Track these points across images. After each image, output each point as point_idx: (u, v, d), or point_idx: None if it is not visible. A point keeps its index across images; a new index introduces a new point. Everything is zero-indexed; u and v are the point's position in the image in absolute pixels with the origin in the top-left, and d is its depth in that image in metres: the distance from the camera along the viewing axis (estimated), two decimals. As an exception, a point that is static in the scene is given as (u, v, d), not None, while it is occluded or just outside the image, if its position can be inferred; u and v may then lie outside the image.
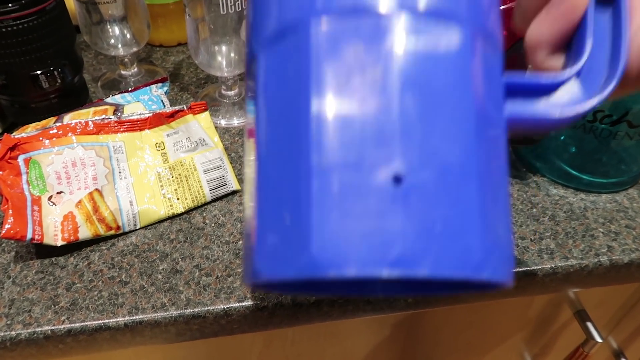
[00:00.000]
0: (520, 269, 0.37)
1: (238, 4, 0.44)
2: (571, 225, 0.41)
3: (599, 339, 0.47)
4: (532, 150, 0.45)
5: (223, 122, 0.50)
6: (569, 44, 0.18)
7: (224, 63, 0.48)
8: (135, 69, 0.55)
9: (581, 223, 0.41)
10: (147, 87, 0.47)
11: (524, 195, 0.43)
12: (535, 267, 0.38)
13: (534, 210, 0.42)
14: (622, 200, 0.43)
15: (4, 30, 0.41)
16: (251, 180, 0.14)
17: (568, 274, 0.38)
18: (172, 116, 0.42)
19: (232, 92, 0.52)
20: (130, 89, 0.47)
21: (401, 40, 0.12)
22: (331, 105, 0.12)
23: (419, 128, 0.12)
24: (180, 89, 0.55)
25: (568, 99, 0.16)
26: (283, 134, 0.13)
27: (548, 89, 0.16)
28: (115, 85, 0.54)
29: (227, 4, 0.43)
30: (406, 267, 0.12)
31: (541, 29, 0.17)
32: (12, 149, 0.37)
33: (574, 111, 0.16)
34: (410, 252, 0.12)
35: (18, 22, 0.41)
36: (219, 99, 0.52)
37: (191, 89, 0.55)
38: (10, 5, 0.40)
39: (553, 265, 0.38)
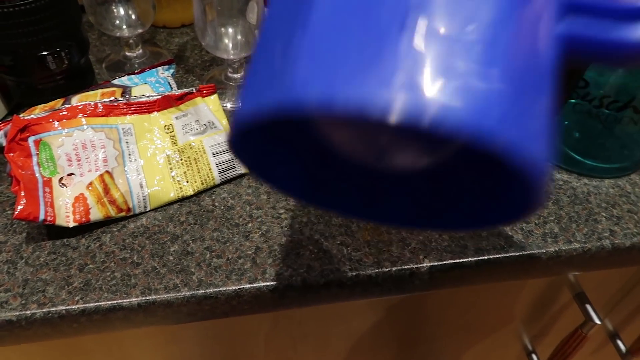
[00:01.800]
0: (525, 253, 0.38)
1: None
2: (574, 209, 0.41)
3: (597, 321, 0.48)
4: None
5: (229, 105, 0.50)
6: None
7: (231, 45, 0.48)
8: (140, 51, 0.55)
9: (584, 207, 0.41)
10: (154, 69, 0.47)
11: (529, 180, 0.43)
12: (540, 251, 0.38)
13: (538, 194, 0.42)
14: (625, 185, 0.44)
15: (10, 10, 0.40)
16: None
17: (571, 257, 0.39)
18: (181, 99, 0.42)
19: (239, 75, 0.52)
20: (135, 71, 0.47)
21: None
22: None
23: None
24: (185, 71, 0.54)
25: None
26: None
27: (632, 15, 0.14)
28: (120, 67, 0.54)
29: (235, -14, 0.43)
30: (408, 114, 0.09)
31: None
32: (22, 130, 0.37)
33: None
34: (417, 95, 0.09)
35: (24, 2, 0.41)
36: (225, 82, 0.52)
37: (196, 71, 0.54)
38: (16, -15, 0.40)
39: (557, 249, 0.39)
